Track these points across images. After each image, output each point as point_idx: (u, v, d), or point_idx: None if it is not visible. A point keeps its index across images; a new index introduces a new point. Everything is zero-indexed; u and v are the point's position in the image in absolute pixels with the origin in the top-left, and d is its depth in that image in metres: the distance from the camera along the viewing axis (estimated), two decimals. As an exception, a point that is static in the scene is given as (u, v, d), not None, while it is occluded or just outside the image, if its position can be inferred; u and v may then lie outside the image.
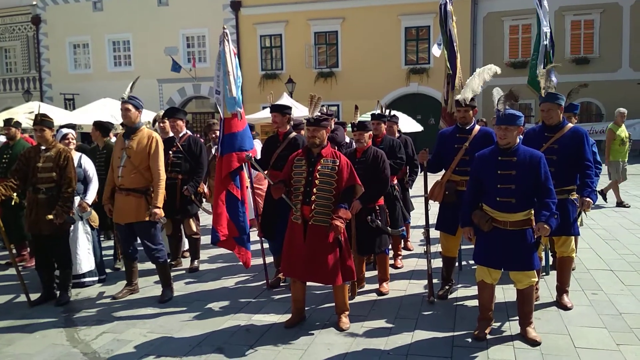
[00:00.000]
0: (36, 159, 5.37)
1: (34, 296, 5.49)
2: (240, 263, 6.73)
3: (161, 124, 6.56)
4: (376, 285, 5.55)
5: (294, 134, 5.77)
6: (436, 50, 7.88)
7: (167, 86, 26.12)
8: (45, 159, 5.35)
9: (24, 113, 9.85)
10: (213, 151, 7.67)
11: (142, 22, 25.75)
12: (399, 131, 7.16)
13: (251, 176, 6.14)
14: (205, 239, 7.15)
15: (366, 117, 6.37)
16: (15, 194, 5.52)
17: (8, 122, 7.08)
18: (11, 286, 6.01)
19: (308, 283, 4.76)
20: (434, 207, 5.37)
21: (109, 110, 14.54)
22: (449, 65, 5.98)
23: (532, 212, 4.17)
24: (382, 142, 5.97)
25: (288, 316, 4.77)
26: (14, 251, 6.55)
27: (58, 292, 5.56)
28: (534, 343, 4.13)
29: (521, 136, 4.66)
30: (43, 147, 5.41)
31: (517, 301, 4.35)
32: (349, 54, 24.43)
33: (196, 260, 6.65)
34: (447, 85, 6.01)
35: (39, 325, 4.88)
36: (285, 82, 22.30)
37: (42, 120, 5.33)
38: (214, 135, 7.80)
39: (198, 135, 10.42)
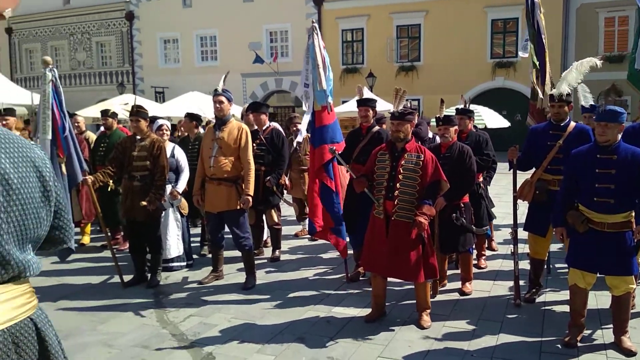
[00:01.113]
0: (132, 148, 5.67)
1: (126, 278, 5.82)
2: (320, 255, 6.87)
3: (247, 117, 6.74)
4: (458, 285, 5.42)
5: (377, 127, 5.73)
6: (523, 52, 7.56)
7: (250, 80, 26.76)
8: (140, 149, 5.64)
9: (119, 104, 10.42)
10: (294, 144, 7.78)
11: (228, 18, 26.51)
12: (475, 127, 6.91)
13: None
14: (286, 230, 7.29)
15: (450, 111, 6.19)
16: (111, 181, 5.87)
17: (105, 112, 7.53)
18: (106, 267, 6.40)
19: (389, 279, 4.73)
20: (522, 206, 5.17)
21: (196, 103, 15.12)
22: (535, 60, 5.71)
23: (633, 213, 3.90)
24: (467, 138, 5.80)
25: (368, 310, 4.76)
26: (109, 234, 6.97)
27: (149, 275, 5.87)
28: (629, 353, 3.88)
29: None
30: (138, 137, 5.71)
31: (612, 308, 4.10)
32: (432, 47, 23.94)
33: (277, 250, 6.79)
34: (536, 80, 5.75)
35: (131, 306, 5.16)
36: (365, 76, 22.21)
37: (137, 112, 5.62)
38: (294, 128, 7.92)
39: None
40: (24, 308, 1.58)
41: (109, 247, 6.00)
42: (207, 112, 9.14)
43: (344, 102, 19.29)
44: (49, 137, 5.44)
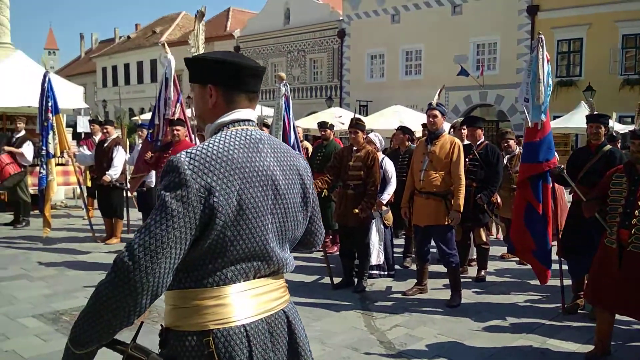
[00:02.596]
0: (348, 158, 5.98)
1: (336, 279, 6.13)
2: (529, 281, 6.44)
3: (460, 131, 6.65)
4: None
5: (608, 146, 5.21)
6: None
7: (453, 94, 26.34)
8: (356, 159, 5.92)
9: (335, 117, 11.09)
10: (505, 161, 7.45)
11: (434, 32, 26.50)
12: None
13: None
14: (494, 250, 6.99)
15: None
16: (325, 188, 6.26)
17: (324, 124, 8.05)
18: (316, 267, 6.82)
19: (617, 315, 4.25)
20: None
21: (398, 116, 15.40)
22: None
23: None
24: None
25: (589, 347, 4.32)
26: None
27: (356, 280, 6.11)
28: None
29: None
30: (354, 148, 5.99)
31: None
32: (666, 58, 20.99)
33: (483, 271, 6.54)
34: None
35: (340, 307, 5.43)
36: (583, 90, 20.34)
37: (356, 124, 5.92)
38: (506, 145, 7.58)
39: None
40: (280, 301, 1.74)
41: (322, 249, 6.40)
42: (409, 124, 9.23)
43: (556, 117, 17.91)
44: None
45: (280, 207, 1.68)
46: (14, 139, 9.36)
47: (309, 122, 17.17)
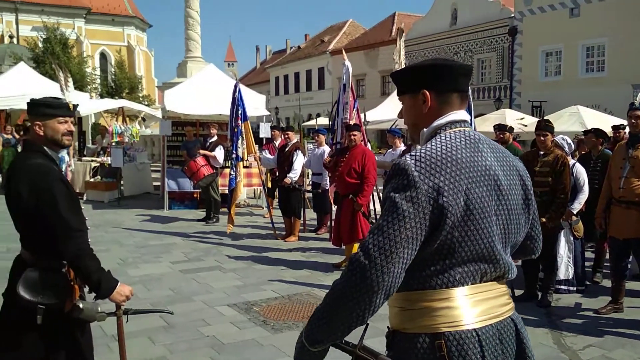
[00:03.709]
0: (534, 163, 5.64)
1: (517, 292, 5.83)
2: None
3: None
4: None
5: None
6: None
7: (644, 91, 23.58)
8: (543, 164, 5.57)
9: (516, 120, 10.58)
10: None
11: (620, 25, 23.95)
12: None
13: None
14: None
15: None
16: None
17: (502, 127, 7.69)
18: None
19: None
20: None
21: (578, 118, 14.27)
22: None
23: None
24: None
25: None
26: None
27: (539, 294, 5.74)
28: None
29: None
30: (541, 152, 5.64)
31: None
32: None
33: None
34: None
35: (525, 322, 5.13)
36: None
37: (545, 126, 5.56)
38: None
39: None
40: (506, 307, 1.68)
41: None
42: (592, 127, 8.40)
43: None
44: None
45: (503, 208, 1.65)
46: (208, 144, 10.41)
47: (477, 125, 16.56)
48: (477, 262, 1.60)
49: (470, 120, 5.90)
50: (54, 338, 2.64)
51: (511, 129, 7.63)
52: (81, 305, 2.59)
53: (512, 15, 29.08)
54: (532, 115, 23.19)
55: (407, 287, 1.60)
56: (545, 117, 18.35)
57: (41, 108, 2.73)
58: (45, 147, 2.72)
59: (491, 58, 30.76)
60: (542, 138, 5.54)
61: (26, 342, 2.61)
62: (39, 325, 2.54)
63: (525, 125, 12.95)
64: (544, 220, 5.38)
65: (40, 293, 2.55)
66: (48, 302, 2.55)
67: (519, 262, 6.16)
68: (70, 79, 13.87)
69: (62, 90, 13.01)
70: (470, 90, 5.79)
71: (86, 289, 2.72)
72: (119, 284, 2.68)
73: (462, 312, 1.57)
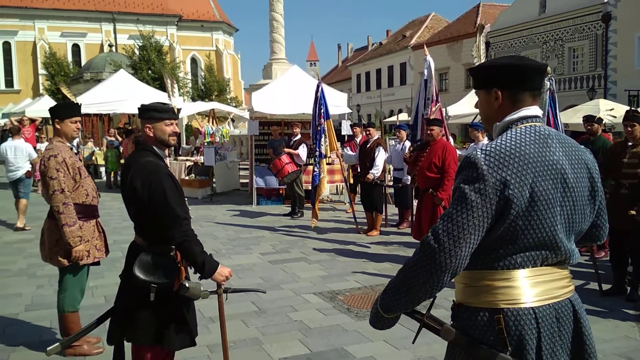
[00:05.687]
0: (622, 154, 5.50)
1: (605, 286, 5.70)
2: None
3: None
4: None
5: None
6: None
7: None
8: (632, 155, 5.42)
9: (605, 111, 10.17)
10: None
11: None
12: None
13: None
14: None
15: None
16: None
17: (590, 118, 7.46)
18: (583, 273, 6.42)
19: None
20: None
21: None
22: None
23: None
24: None
25: None
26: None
27: (629, 288, 5.59)
28: None
29: None
30: (629, 143, 5.48)
31: None
32: None
33: None
34: None
35: (609, 314, 5.06)
36: None
37: (633, 116, 5.41)
38: None
39: None
40: (565, 290, 1.82)
41: (587, 253, 6.02)
42: None
43: None
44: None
45: (568, 199, 1.77)
46: (292, 142, 10.84)
47: (568, 116, 15.90)
48: (538, 248, 1.75)
49: (555, 113, 5.85)
50: (165, 313, 3.01)
51: (600, 120, 7.38)
52: (187, 284, 2.95)
53: (606, 0, 27.49)
54: (630, 105, 21.87)
55: (473, 267, 1.78)
56: (634, 108, 17.24)
57: (151, 112, 3.11)
58: (154, 147, 3.11)
59: (583, 46, 29.23)
60: (629, 129, 5.39)
61: (142, 317, 2.99)
62: (152, 302, 2.91)
63: (615, 117, 12.31)
64: (633, 212, 5.26)
65: (152, 273, 2.93)
66: (159, 281, 2.93)
67: (608, 258, 6.01)
68: (176, 86, 14.84)
69: (169, 95, 13.99)
70: (554, 82, 5.76)
71: (191, 270, 3.09)
72: (219, 265, 3.03)
73: (521, 291, 1.73)
